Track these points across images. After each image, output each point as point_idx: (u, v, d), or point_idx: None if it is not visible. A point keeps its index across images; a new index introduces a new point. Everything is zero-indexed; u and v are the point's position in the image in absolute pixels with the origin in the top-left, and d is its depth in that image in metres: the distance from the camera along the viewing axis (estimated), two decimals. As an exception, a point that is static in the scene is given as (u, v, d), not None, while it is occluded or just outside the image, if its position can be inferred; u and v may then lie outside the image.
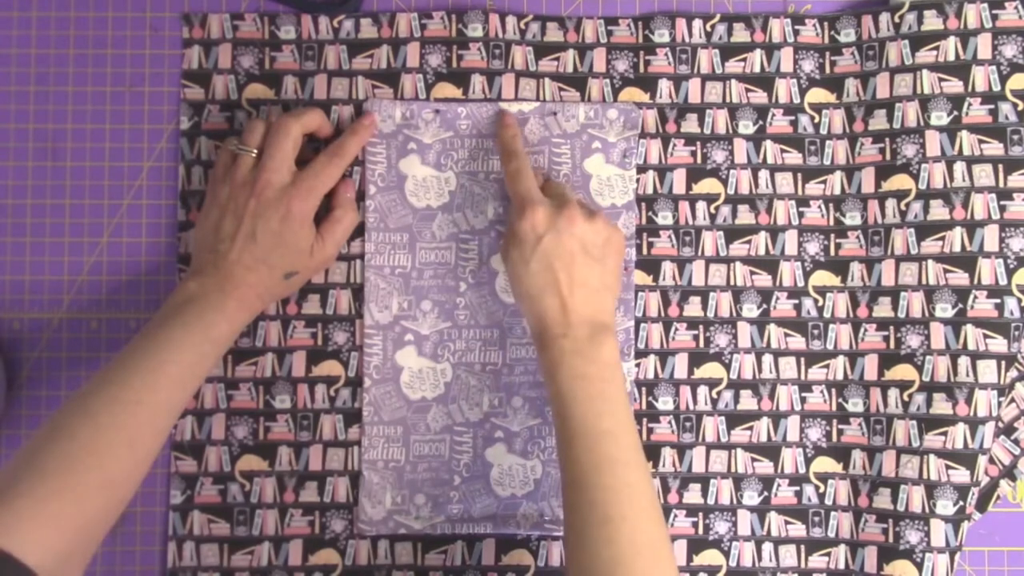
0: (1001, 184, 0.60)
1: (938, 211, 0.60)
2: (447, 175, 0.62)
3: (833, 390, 0.62)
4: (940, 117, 0.61)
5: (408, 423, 0.61)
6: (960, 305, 0.59)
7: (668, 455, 0.61)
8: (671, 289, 0.62)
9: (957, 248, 0.60)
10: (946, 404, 0.59)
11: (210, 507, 0.60)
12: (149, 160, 0.63)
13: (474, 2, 0.64)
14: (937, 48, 0.61)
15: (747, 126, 0.63)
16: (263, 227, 0.56)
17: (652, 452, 0.61)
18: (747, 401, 0.62)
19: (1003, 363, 0.59)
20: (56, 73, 0.63)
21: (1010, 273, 0.59)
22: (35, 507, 0.46)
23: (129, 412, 0.50)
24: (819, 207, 0.62)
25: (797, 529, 0.61)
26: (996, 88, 0.60)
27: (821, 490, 0.61)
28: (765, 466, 0.61)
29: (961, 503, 0.58)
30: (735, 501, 0.61)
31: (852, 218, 0.62)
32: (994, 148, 0.60)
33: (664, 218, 0.62)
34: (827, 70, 0.63)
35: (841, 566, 0.60)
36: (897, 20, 0.61)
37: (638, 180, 0.62)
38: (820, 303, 0.62)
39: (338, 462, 0.61)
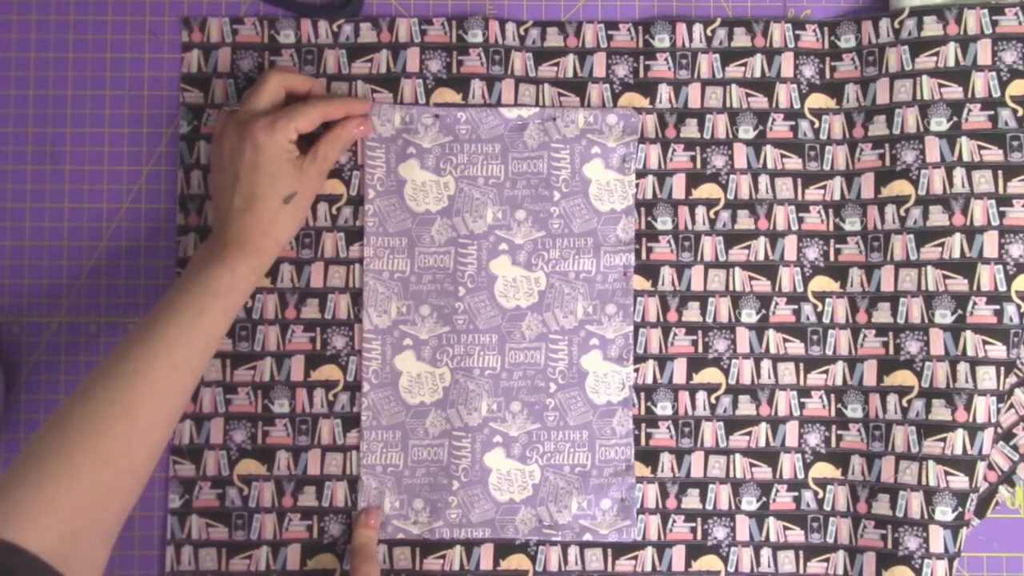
0: (1001, 190, 0.60)
1: (937, 217, 0.60)
2: (446, 179, 0.62)
3: (832, 396, 0.62)
4: (940, 123, 0.60)
5: (407, 428, 0.61)
6: (959, 311, 0.59)
7: (666, 460, 0.61)
8: (670, 294, 0.62)
9: (956, 254, 0.60)
10: (945, 410, 0.59)
11: (208, 511, 0.60)
12: (148, 164, 0.63)
13: (474, 8, 0.64)
14: (937, 54, 0.61)
15: (747, 131, 0.62)
16: (240, 162, 0.56)
17: (651, 457, 0.61)
18: (746, 406, 0.61)
19: (1002, 369, 0.59)
20: (55, 77, 0.63)
21: (1009, 279, 0.59)
22: (31, 494, 0.46)
23: (126, 383, 0.50)
24: (819, 212, 0.62)
25: (796, 535, 0.61)
26: (996, 94, 0.60)
27: (820, 496, 0.61)
28: (764, 471, 0.61)
29: (960, 509, 0.58)
30: (734, 507, 0.61)
31: (852, 224, 0.62)
32: (994, 154, 0.60)
33: (663, 223, 0.62)
34: (827, 75, 0.63)
35: (840, 572, 0.60)
36: (897, 26, 0.61)
37: (637, 185, 0.62)
38: (819, 308, 0.62)
39: (336, 467, 0.61)
